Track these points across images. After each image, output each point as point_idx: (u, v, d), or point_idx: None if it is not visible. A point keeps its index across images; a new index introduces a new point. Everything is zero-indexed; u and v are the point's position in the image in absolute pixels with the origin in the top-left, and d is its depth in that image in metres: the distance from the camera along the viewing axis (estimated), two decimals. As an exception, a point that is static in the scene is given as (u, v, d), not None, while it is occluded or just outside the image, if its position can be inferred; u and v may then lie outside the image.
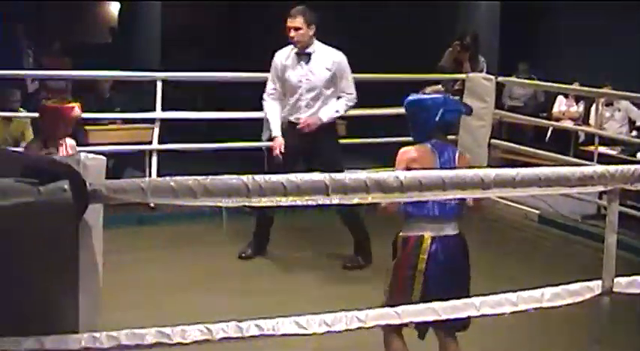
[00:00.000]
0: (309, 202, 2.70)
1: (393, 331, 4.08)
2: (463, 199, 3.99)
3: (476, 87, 9.25)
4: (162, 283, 6.25)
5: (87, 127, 8.69)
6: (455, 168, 3.94)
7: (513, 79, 11.37)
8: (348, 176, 2.76)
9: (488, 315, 3.00)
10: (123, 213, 7.29)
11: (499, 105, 10.36)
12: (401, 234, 4.12)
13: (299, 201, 2.67)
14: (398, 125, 9.48)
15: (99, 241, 2.59)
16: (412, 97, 4.30)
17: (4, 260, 2.37)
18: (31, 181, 2.36)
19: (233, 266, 6.81)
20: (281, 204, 2.69)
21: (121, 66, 8.77)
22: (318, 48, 6.74)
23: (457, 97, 9.33)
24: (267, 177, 2.64)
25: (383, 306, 3.44)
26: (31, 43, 12.71)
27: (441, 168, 3.93)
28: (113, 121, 9.00)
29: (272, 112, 6.91)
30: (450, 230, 4.06)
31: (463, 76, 9.48)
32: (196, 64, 12.54)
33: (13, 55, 11.50)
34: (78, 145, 8.01)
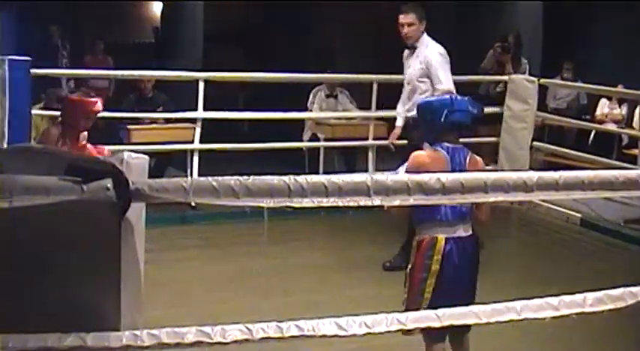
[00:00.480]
0: (351, 204, 2.69)
1: (435, 342, 4.03)
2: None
3: (518, 89, 9.19)
4: (203, 282, 6.28)
5: (129, 127, 8.76)
6: (465, 171, 3.89)
7: (556, 81, 11.26)
8: (390, 177, 2.74)
9: (529, 319, 2.97)
10: (164, 212, 7.37)
11: (542, 107, 10.26)
12: (415, 238, 4.06)
13: (340, 202, 2.66)
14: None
15: (141, 240, 2.60)
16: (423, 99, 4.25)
17: (47, 258, 2.39)
18: (75, 180, 2.38)
19: (273, 266, 6.81)
20: (322, 205, 2.68)
21: (164, 65, 8.82)
22: (423, 42, 6.82)
23: (499, 100, 9.33)
24: (308, 177, 2.64)
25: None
26: (66, 44, 12.80)
27: (452, 172, 3.84)
28: (155, 121, 9.06)
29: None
30: (463, 232, 4.00)
31: (505, 77, 9.42)
32: (238, 63, 12.60)
33: (49, 56, 11.60)
34: (120, 144, 8.13)
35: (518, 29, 11.10)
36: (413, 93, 6.86)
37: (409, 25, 6.73)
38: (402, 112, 7.08)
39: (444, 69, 6.74)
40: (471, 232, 4.03)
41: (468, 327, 3.59)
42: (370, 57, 14.19)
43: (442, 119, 4.06)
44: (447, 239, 3.94)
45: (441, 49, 6.79)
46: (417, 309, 3.56)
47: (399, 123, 7.12)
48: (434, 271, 3.93)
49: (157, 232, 6.15)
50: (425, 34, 6.83)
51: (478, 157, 4.23)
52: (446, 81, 6.72)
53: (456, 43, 13.25)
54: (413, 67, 6.86)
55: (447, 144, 4.07)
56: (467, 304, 3.09)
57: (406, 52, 6.97)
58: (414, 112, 6.38)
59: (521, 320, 3.00)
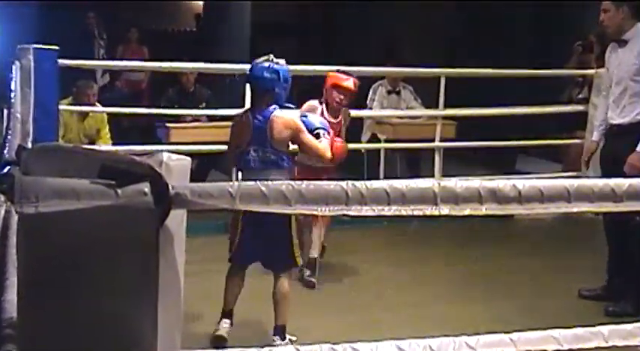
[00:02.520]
0: (415, 212, 2.67)
1: None
2: None
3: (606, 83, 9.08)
4: (246, 296, 6.30)
5: (169, 125, 8.82)
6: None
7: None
8: (459, 184, 2.72)
9: (618, 347, 2.92)
10: (208, 220, 7.39)
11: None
12: None
13: (403, 211, 2.65)
14: (512, 127, 9.46)
15: (181, 251, 2.60)
16: None
17: (78, 271, 2.40)
18: (109, 183, 2.39)
19: (328, 281, 6.79)
20: (383, 214, 2.66)
21: (207, 57, 8.84)
22: (637, 33, 6.24)
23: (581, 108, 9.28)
24: (368, 183, 2.62)
25: None
26: (103, 33, 12.89)
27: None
28: (198, 118, 9.11)
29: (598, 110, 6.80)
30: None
31: (590, 72, 9.29)
32: (291, 56, 12.62)
33: (85, 46, 11.72)
34: (159, 143, 8.19)
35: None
36: (623, 95, 6.24)
37: (604, 11, 6.25)
38: (603, 122, 6.50)
39: None
40: None
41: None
42: (438, 48, 14.16)
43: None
44: None
45: None
46: None
47: (596, 137, 6.60)
48: None
49: (199, 241, 6.17)
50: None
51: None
52: None
53: (539, 42, 13.21)
54: (625, 62, 6.23)
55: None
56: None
57: (611, 45, 6.42)
58: (626, 119, 6.19)
59: (608, 348, 2.95)
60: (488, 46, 12.26)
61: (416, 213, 2.67)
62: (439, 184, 2.68)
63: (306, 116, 5.64)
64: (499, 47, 12.09)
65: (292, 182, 2.58)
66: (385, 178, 8.48)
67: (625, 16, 6.22)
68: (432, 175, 8.77)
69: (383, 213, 2.64)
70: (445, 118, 9.24)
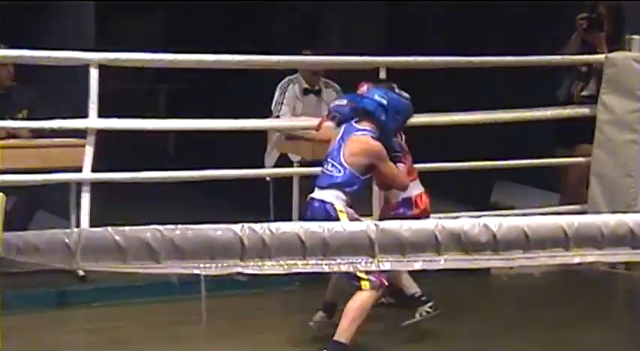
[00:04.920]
0: (344, 268, 2.70)
1: None
2: None
3: (622, 75, 9.21)
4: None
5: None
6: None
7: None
8: (406, 225, 2.76)
9: None
10: (34, 289, 7.36)
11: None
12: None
13: (326, 266, 2.68)
14: (485, 141, 9.51)
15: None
16: None
17: None
18: None
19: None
20: (296, 270, 2.69)
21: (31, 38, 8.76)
22: None
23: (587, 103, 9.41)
24: (274, 227, 2.65)
25: None
26: None
27: None
28: (16, 133, 8.98)
29: None
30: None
31: (600, 57, 9.40)
32: (153, 38, 12.58)
33: None
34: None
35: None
36: None
37: None
38: None
39: None
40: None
41: None
42: (376, 30, 14.26)
43: None
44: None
45: None
46: None
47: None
48: None
49: (20, 321, 6.12)
50: None
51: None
52: None
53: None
54: None
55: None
56: None
57: None
58: None
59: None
60: (448, 23, 12.39)
61: (344, 268, 2.70)
62: (377, 226, 2.70)
63: None
64: (465, 24, 12.21)
65: (162, 227, 2.58)
66: (301, 218, 8.48)
67: None
68: (369, 213, 8.76)
69: (296, 269, 2.67)
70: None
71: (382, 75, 8.85)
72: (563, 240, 2.91)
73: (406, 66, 9.28)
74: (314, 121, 9.61)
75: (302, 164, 9.53)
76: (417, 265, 2.82)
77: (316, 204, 6.85)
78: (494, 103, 9.39)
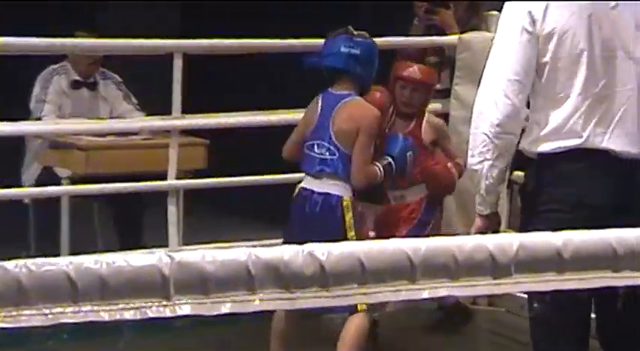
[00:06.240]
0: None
1: None
2: None
3: (479, 59, 9.33)
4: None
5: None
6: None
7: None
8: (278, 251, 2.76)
9: None
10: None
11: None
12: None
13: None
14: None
15: None
16: None
17: None
18: None
19: None
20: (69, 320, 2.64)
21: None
22: None
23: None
24: (40, 263, 2.59)
25: None
26: None
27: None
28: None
29: None
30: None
31: (452, 39, 9.50)
32: None
33: None
34: None
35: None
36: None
37: None
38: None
39: None
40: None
41: None
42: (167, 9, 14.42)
43: None
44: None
45: None
46: None
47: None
48: None
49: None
50: None
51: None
52: None
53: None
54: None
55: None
56: None
57: None
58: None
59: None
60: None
61: (129, 316, 2.67)
62: (171, 258, 2.69)
63: None
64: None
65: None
66: (72, 252, 8.44)
67: None
68: (165, 244, 8.75)
69: (64, 319, 2.63)
70: (187, 132, 9.30)
71: (177, 63, 8.83)
72: (408, 269, 2.92)
73: (203, 51, 9.43)
74: (88, 124, 9.59)
75: (73, 180, 9.46)
76: (225, 308, 2.79)
77: (316, 196, 6.90)
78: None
